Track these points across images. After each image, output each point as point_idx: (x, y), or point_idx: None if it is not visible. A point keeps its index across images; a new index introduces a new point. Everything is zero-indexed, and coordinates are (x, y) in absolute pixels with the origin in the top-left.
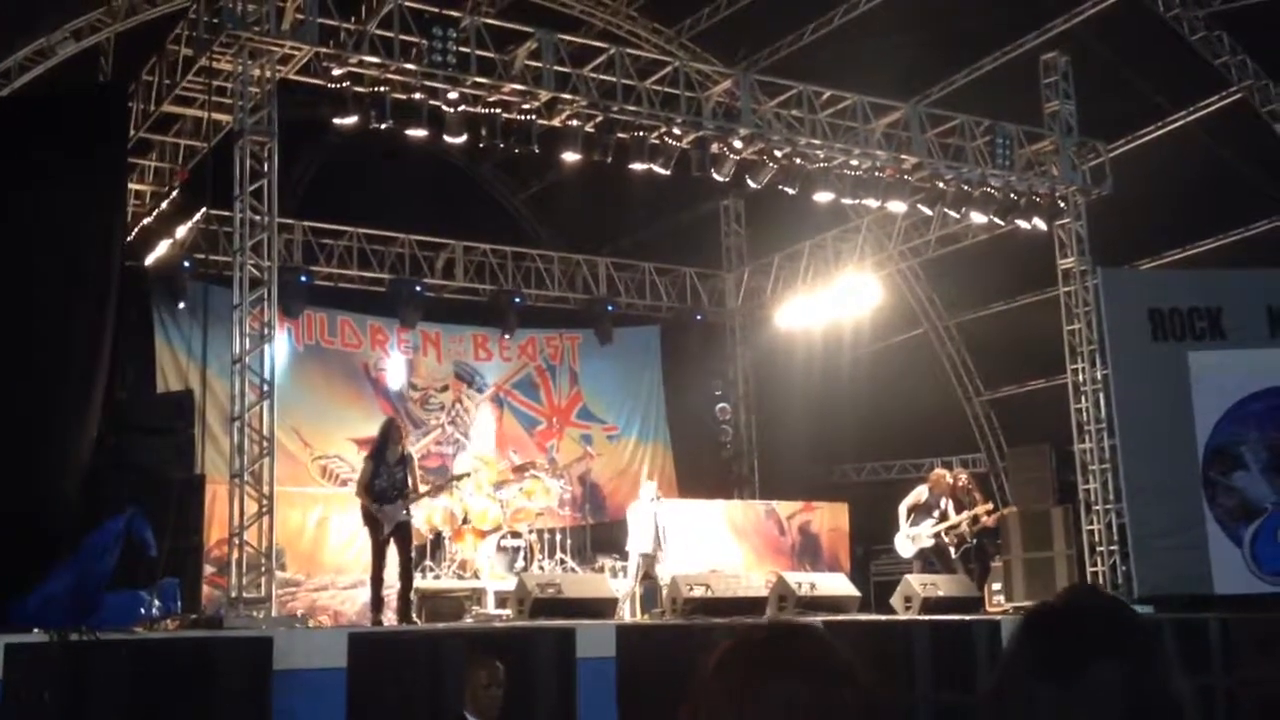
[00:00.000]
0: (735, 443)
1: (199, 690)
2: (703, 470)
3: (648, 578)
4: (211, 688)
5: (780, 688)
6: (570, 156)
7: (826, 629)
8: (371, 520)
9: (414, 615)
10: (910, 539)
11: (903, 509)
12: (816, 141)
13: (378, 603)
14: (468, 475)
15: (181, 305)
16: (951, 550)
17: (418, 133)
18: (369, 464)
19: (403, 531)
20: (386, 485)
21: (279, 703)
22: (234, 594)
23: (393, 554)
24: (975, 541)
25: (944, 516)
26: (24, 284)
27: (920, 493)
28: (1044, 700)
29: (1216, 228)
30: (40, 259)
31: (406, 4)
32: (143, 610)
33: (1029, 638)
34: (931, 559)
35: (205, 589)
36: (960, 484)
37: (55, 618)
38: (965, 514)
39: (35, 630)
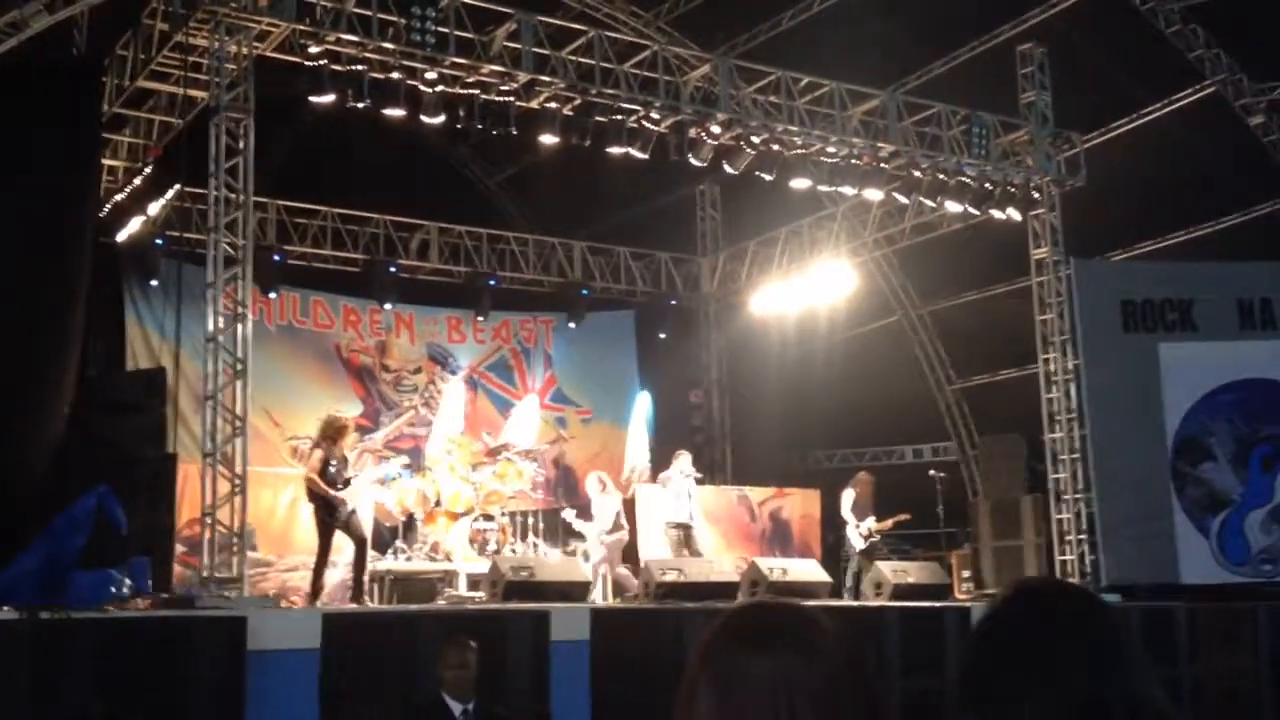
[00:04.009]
0: (707, 428)
1: (172, 670)
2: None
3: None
4: (185, 667)
5: (766, 664)
6: (548, 139)
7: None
8: (327, 506)
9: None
10: (862, 536)
11: (847, 511)
12: (794, 128)
13: (317, 592)
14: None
15: (154, 283)
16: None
17: (395, 112)
18: (322, 451)
19: (355, 517)
20: (336, 475)
21: (253, 683)
22: (206, 574)
23: (347, 540)
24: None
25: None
26: None
27: (849, 495)
28: (1012, 689)
29: (1189, 220)
30: (10, 233)
31: None
32: (113, 589)
33: (996, 627)
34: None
35: (176, 568)
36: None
37: (26, 595)
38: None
39: (5, 608)
